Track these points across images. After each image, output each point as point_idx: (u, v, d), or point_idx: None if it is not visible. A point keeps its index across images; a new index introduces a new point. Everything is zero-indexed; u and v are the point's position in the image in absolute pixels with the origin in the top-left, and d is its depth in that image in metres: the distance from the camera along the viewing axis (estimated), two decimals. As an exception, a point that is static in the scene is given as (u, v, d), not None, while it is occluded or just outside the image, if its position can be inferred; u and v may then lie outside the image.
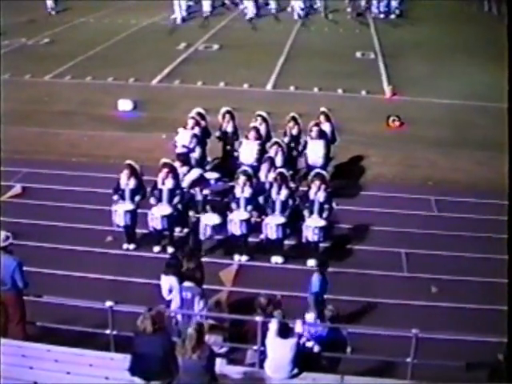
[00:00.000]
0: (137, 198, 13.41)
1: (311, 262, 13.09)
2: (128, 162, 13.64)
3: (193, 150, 15.04)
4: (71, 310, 10.53)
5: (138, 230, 13.75)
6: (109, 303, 9.24)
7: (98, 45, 30.19)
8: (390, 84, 24.45)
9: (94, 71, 25.80)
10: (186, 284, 10.21)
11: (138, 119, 20.88)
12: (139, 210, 13.57)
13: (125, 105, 21.67)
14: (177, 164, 14.18)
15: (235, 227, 13.04)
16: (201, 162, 14.96)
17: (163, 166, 13.61)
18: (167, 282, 10.44)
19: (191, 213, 13.81)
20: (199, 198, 13.49)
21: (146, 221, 13.43)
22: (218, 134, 16.42)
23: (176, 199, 13.41)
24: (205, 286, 11.04)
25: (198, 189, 13.34)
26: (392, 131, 20.24)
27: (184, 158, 14.55)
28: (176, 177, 13.59)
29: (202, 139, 15.78)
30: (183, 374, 7.91)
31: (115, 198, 13.45)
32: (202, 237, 13.12)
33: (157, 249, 13.42)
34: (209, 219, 13.15)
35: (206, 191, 13.33)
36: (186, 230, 13.98)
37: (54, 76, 25.60)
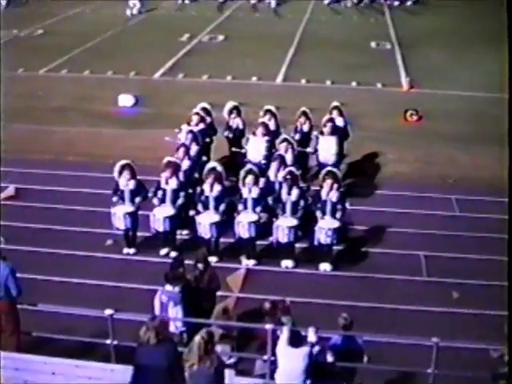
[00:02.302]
0: (137, 200, 13.45)
1: (324, 266, 13.13)
2: (126, 161, 13.68)
3: (188, 148, 14.99)
4: (69, 319, 10.55)
5: (139, 234, 13.80)
6: (109, 311, 9.23)
7: (95, 37, 30.29)
8: (408, 76, 24.42)
9: (91, 64, 25.87)
10: (166, 287, 10.27)
11: (140, 115, 20.92)
12: (140, 212, 13.62)
13: (125, 100, 21.72)
14: (180, 154, 14.26)
15: (243, 230, 13.06)
16: (196, 161, 14.92)
17: (167, 164, 13.65)
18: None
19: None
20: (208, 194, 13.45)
21: (147, 223, 13.47)
22: (226, 133, 16.47)
23: (180, 200, 13.46)
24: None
25: (208, 184, 13.30)
26: (409, 126, 20.20)
27: (187, 149, 14.61)
28: (180, 176, 13.64)
29: (204, 136, 15.79)
30: (190, 384, 7.90)
31: (114, 199, 13.50)
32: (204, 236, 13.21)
33: (164, 251, 13.48)
34: (206, 218, 13.18)
35: (218, 187, 13.31)
36: (185, 232, 14.06)
37: (49, 70, 25.69)
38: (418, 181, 16.88)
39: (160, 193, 13.48)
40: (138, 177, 13.69)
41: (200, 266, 10.89)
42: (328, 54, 27.23)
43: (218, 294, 11.33)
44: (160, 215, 13.21)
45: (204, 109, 16.52)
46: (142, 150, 17.49)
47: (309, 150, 15.99)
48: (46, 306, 10.32)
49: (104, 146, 18.41)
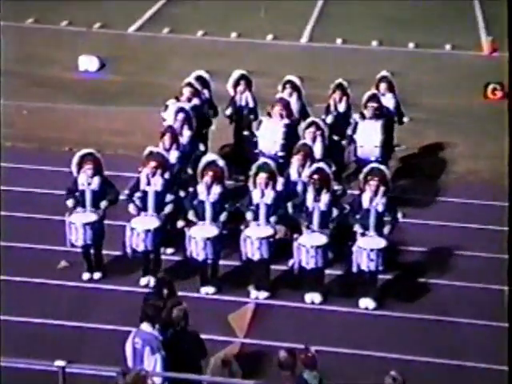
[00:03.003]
0: (103, 204, 13.64)
1: (365, 303, 13.26)
2: (88, 150, 13.84)
3: (179, 133, 15.14)
4: (5, 374, 10.54)
5: (105, 252, 13.95)
6: (59, 363, 9.24)
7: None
8: (490, 35, 24.30)
9: (37, 11, 25.81)
10: (142, 327, 10.33)
11: (108, 85, 21.12)
12: (107, 222, 13.77)
13: (87, 63, 21.92)
14: (166, 141, 14.47)
15: (252, 248, 13.18)
16: (189, 152, 15.09)
17: (149, 156, 13.84)
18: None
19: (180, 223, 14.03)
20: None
21: (117, 238, 13.63)
22: (229, 111, 16.67)
23: (168, 208, 13.65)
24: (206, 336, 11.17)
25: (204, 184, 13.45)
26: (490, 106, 20.11)
27: (176, 135, 14.80)
28: (167, 173, 13.82)
29: (199, 117, 15.96)
30: None
31: (70, 203, 13.66)
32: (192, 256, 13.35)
33: (144, 281, 13.62)
34: (200, 232, 13.31)
35: (217, 188, 13.48)
36: (170, 251, 14.30)
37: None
38: (499, 184, 16.78)
39: (139, 196, 13.67)
40: (106, 172, 13.87)
41: (165, 292, 10.99)
42: (374, 2, 27.14)
43: (219, 338, 11.49)
44: (140, 228, 13.35)
45: (199, 78, 16.70)
46: (112, 134, 17.78)
47: (344, 143, 16.19)
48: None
49: (58, 127, 18.61)
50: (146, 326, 10.35)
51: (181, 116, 15.45)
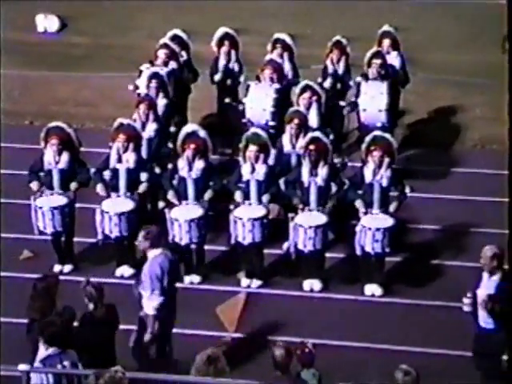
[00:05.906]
0: (73, 186, 13.84)
1: (371, 289, 13.56)
2: (56, 123, 14.03)
3: (153, 102, 15.26)
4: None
5: (77, 239, 14.20)
6: (23, 367, 9.39)
7: None
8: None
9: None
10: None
11: (71, 48, 21.20)
12: (79, 205, 13.99)
13: (46, 23, 22.09)
14: (141, 112, 14.70)
15: (242, 231, 13.41)
16: (166, 123, 15.33)
17: (119, 129, 14.09)
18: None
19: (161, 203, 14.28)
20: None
21: (90, 223, 13.78)
22: (218, 76, 16.86)
23: (142, 186, 13.94)
24: (191, 332, 11.59)
25: (185, 159, 13.67)
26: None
27: (151, 105, 14.99)
28: (142, 148, 14.16)
29: (177, 83, 16.29)
30: None
31: (34, 185, 13.87)
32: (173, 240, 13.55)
33: (120, 271, 13.93)
34: (183, 213, 13.55)
35: (200, 163, 13.68)
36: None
37: None
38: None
39: (108, 175, 13.94)
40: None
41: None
42: None
43: (205, 333, 11.87)
44: (111, 211, 13.57)
45: (176, 38, 16.96)
46: (77, 104, 17.99)
47: (344, 103, 16.45)
48: None
49: (15, 98, 18.72)
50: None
51: (154, 83, 15.63)
